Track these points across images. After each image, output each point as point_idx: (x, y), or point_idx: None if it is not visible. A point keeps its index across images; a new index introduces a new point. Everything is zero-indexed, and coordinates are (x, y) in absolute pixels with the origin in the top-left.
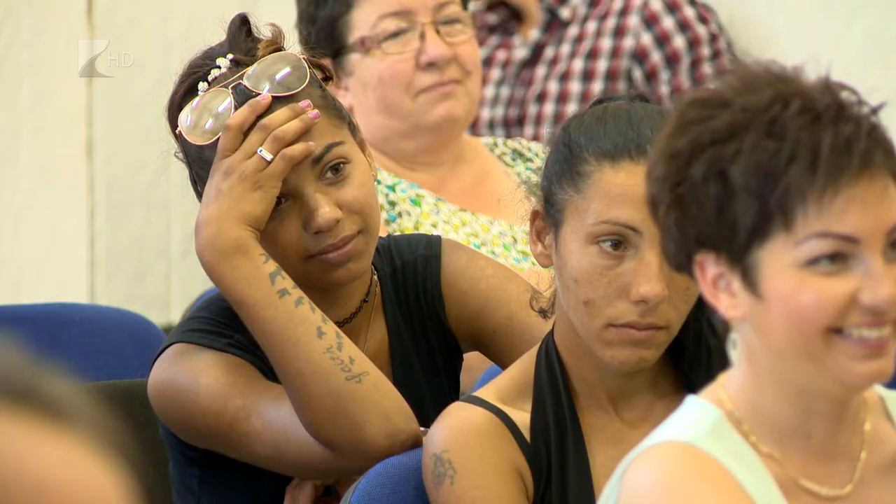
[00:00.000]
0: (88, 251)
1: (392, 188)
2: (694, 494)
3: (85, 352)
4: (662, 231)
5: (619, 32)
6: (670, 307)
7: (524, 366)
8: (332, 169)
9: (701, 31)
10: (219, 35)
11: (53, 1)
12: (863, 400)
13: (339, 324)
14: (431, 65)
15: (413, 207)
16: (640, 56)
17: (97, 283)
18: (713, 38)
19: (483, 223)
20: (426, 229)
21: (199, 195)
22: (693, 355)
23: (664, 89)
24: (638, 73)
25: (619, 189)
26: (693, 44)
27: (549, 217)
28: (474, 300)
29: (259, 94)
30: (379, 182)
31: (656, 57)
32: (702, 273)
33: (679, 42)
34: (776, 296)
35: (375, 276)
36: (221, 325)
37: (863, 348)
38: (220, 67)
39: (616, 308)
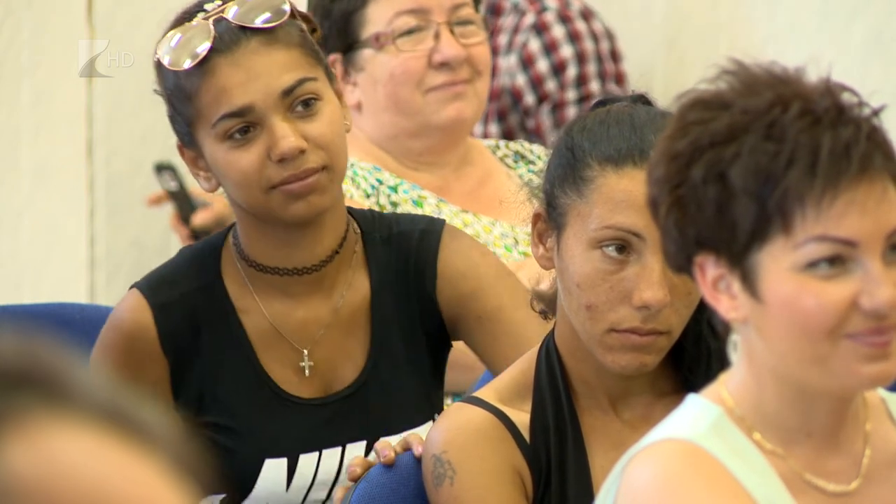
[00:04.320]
0: (88, 251)
1: (394, 189)
2: (693, 492)
3: (85, 352)
4: (662, 232)
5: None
6: (672, 312)
7: (524, 366)
8: (302, 103)
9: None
10: None
11: (53, 1)
12: (862, 400)
13: (305, 270)
14: (444, 64)
15: (415, 208)
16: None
17: (97, 283)
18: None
19: (485, 224)
20: None
21: (177, 132)
22: (693, 356)
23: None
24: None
25: (623, 195)
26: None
27: (551, 220)
28: (469, 282)
29: (237, 25)
30: (381, 182)
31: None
32: (702, 274)
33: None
34: (776, 299)
35: (358, 234)
36: (180, 274)
37: (870, 348)
38: (206, 11)
39: (618, 313)
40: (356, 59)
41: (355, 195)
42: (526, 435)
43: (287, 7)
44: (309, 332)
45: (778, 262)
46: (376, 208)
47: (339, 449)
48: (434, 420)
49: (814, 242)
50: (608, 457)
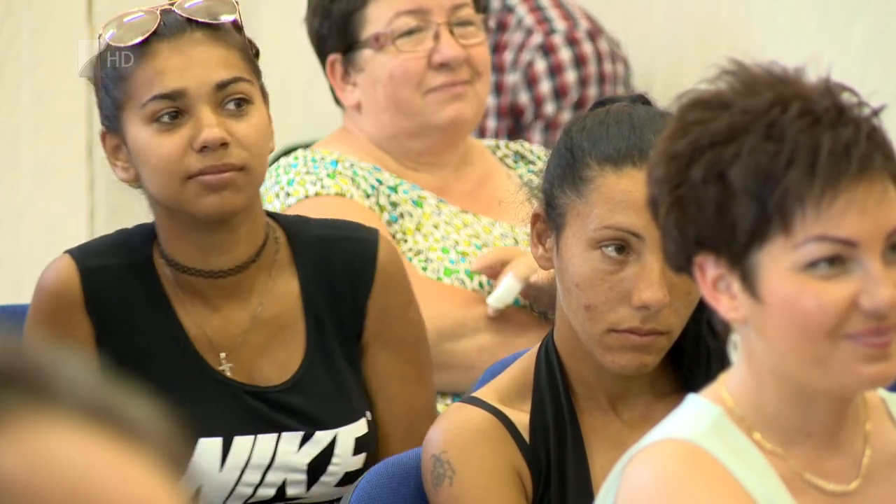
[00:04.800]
0: None
1: (394, 189)
2: (693, 492)
3: None
4: (662, 232)
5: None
6: (672, 313)
7: (524, 366)
8: (234, 102)
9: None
10: None
11: (53, 1)
12: (863, 400)
13: (221, 274)
14: (444, 65)
15: (415, 208)
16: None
17: None
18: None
19: (485, 224)
20: (428, 230)
21: (104, 117)
22: (692, 357)
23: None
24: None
25: (622, 195)
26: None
27: (550, 220)
28: (394, 330)
29: (184, 17)
30: (381, 182)
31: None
32: (702, 274)
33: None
34: (776, 299)
35: (281, 242)
36: (113, 247)
37: (870, 349)
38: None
39: (617, 313)
40: (356, 59)
41: (355, 195)
42: (525, 435)
43: (235, 17)
44: (229, 336)
45: (778, 262)
46: (376, 208)
47: (275, 436)
48: (369, 413)
49: (814, 242)
50: (608, 457)
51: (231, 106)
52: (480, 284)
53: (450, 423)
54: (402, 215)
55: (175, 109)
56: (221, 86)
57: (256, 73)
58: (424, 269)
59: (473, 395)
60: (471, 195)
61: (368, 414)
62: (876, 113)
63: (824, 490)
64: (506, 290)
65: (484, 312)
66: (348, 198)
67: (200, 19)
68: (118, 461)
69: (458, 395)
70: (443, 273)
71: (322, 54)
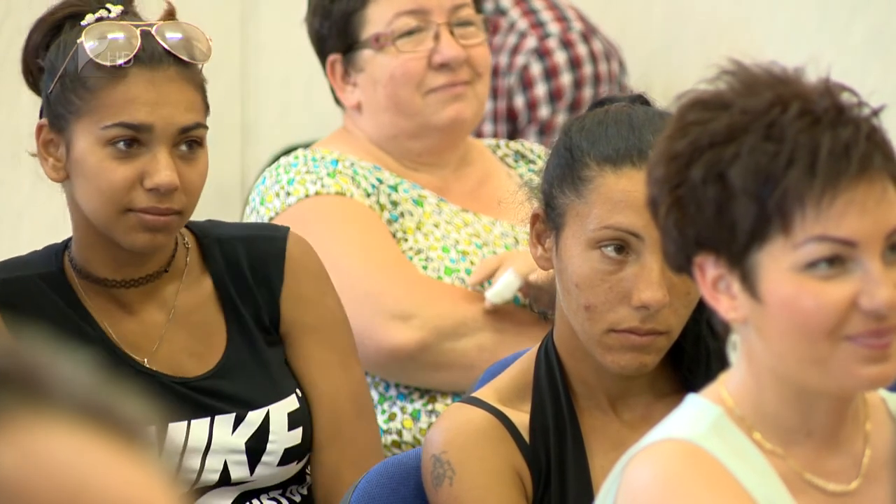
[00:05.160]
0: None
1: (394, 188)
2: (692, 492)
3: None
4: (662, 232)
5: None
6: (671, 313)
7: (524, 366)
8: (187, 144)
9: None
10: (216, 35)
11: (53, 1)
12: (863, 399)
13: (132, 283)
14: (444, 65)
15: (415, 207)
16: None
17: None
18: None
19: (485, 224)
20: (428, 229)
21: (52, 114)
22: (692, 357)
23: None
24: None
25: (621, 195)
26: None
27: (549, 220)
28: (310, 314)
29: (163, 47)
30: (381, 181)
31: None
32: (701, 274)
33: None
34: (776, 299)
35: (190, 247)
36: (22, 262)
37: (870, 350)
38: (108, 10)
39: (617, 313)
40: (356, 59)
41: (356, 194)
42: (525, 435)
43: (208, 52)
44: (148, 338)
45: (777, 262)
46: (377, 207)
47: (208, 419)
48: (299, 391)
49: (813, 242)
50: (608, 457)
51: (183, 147)
52: (481, 284)
53: (450, 424)
54: (402, 214)
55: (133, 139)
56: (184, 129)
57: (208, 111)
58: (425, 268)
59: (473, 395)
60: (471, 195)
61: (298, 391)
62: (876, 113)
63: (824, 490)
64: (505, 286)
65: (484, 312)
66: (348, 197)
67: (178, 55)
68: (117, 461)
69: (458, 395)
70: (443, 272)
71: (322, 54)
